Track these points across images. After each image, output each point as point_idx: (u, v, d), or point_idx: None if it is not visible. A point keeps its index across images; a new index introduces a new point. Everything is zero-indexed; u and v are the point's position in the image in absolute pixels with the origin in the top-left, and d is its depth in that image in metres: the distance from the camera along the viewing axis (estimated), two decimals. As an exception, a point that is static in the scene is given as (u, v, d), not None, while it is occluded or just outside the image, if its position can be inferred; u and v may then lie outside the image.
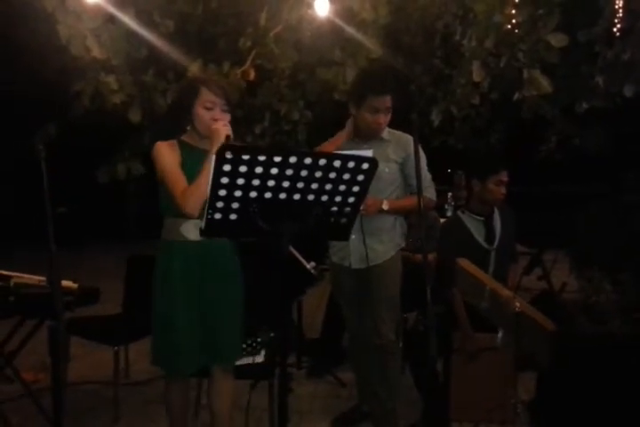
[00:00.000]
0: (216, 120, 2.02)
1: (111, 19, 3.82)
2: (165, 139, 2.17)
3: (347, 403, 2.94)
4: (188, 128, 2.11)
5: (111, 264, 4.57)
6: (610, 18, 4.76)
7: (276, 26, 4.24)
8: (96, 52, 3.68)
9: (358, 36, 4.36)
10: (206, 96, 2.04)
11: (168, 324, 2.08)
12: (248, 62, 4.39)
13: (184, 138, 2.13)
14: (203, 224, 1.59)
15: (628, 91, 5.33)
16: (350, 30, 4.39)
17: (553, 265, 3.21)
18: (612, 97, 5.68)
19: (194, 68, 4.15)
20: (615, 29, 4.76)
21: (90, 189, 6.09)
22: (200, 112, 2.05)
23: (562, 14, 3.74)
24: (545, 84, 3.93)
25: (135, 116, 4.28)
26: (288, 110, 5.25)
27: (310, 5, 4.03)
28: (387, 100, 2.39)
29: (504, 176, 2.81)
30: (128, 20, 3.91)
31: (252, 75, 4.45)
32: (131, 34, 3.96)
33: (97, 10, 3.64)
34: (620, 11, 4.61)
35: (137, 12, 3.93)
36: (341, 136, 2.50)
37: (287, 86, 5.24)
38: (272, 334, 2.26)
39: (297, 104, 5.33)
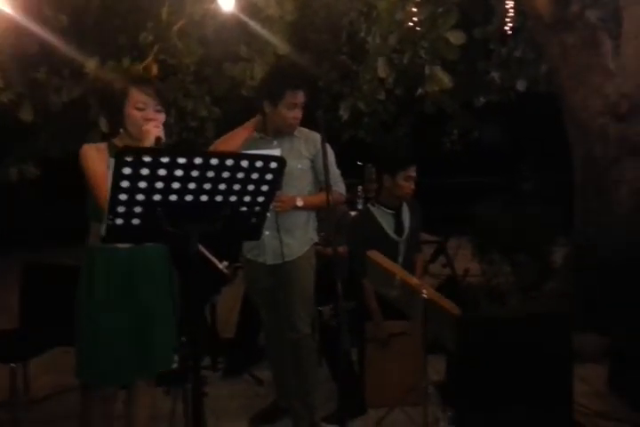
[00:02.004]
0: (148, 120, 1.94)
1: (-4, 12, 3.55)
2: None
3: (265, 401, 2.93)
4: (121, 131, 2.02)
5: (3, 273, 4.26)
6: (502, 17, 5.05)
7: (178, 20, 4.13)
8: (-21, 48, 3.42)
9: (264, 32, 4.34)
10: (137, 97, 1.96)
11: (95, 333, 1.98)
12: (150, 57, 4.25)
13: (115, 141, 2.03)
14: (103, 230, 1.52)
15: (520, 86, 5.70)
16: (256, 26, 4.37)
17: (457, 251, 3.38)
18: (507, 92, 6.05)
19: (91, 65, 3.96)
20: (507, 28, 5.05)
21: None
22: (131, 113, 1.97)
23: (459, 13, 3.91)
24: (445, 79, 4.10)
25: (27, 115, 4.02)
26: (194, 106, 5.14)
27: (214, 0, 3.96)
28: (302, 96, 2.42)
29: (412, 172, 2.92)
30: (16, 13, 3.66)
31: (155, 70, 4.32)
32: (19, 28, 3.71)
33: (-20, 2, 3.38)
34: (511, 11, 4.90)
35: (26, 6, 3.68)
36: (246, 129, 2.46)
37: (193, 82, 5.13)
38: (183, 339, 2.20)
39: (204, 100, 5.24)
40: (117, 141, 2.03)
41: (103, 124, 4.07)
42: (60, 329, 2.85)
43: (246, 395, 3.14)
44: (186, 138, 5.12)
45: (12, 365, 2.67)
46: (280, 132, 2.50)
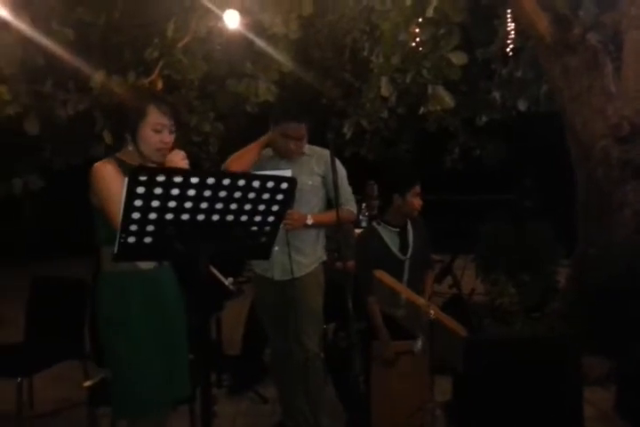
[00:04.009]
0: (165, 144, 1.87)
1: (4, 25, 3.58)
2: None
3: (270, 420, 2.90)
4: (130, 147, 1.90)
5: (8, 287, 4.25)
6: (503, 38, 5.12)
7: (183, 37, 4.17)
8: (-13, 61, 3.44)
9: (269, 49, 4.38)
10: (156, 118, 1.86)
11: (133, 363, 1.87)
12: (155, 73, 4.27)
13: (123, 157, 1.92)
14: (115, 249, 1.52)
15: (522, 105, 5.76)
16: (261, 44, 4.41)
17: (463, 271, 3.37)
18: (509, 111, 6.11)
19: (97, 79, 3.98)
20: (508, 49, 5.12)
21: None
22: (147, 135, 1.86)
23: (462, 34, 3.95)
24: (447, 99, 4.13)
25: (32, 127, 4.03)
26: (198, 122, 5.17)
27: (220, 18, 4.00)
28: (300, 129, 2.41)
29: (418, 188, 2.93)
30: (24, 26, 3.68)
31: (160, 85, 4.34)
32: (26, 41, 3.73)
33: (-12, 15, 3.41)
34: (512, 32, 4.96)
35: (33, 19, 3.71)
36: (258, 145, 2.48)
37: (197, 98, 5.16)
38: (191, 356, 2.19)
39: (207, 116, 5.27)
40: (126, 158, 1.92)
41: (108, 138, 4.08)
42: (65, 343, 2.84)
43: (251, 413, 3.11)
44: (189, 152, 5.14)
45: (18, 379, 2.64)
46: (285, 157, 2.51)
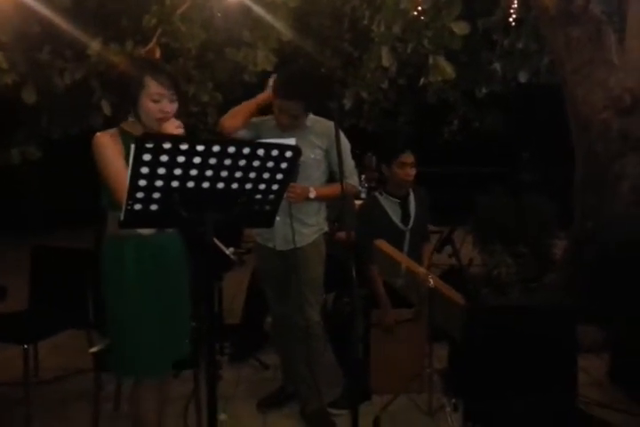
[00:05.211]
0: (165, 113, 1.88)
1: (-1, -9, 3.50)
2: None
3: (272, 385, 2.96)
4: (131, 118, 1.93)
5: (11, 257, 4.28)
6: (506, 8, 5.04)
7: (182, 4, 4.09)
8: (-18, 28, 3.38)
9: (268, 17, 4.31)
10: (154, 88, 1.87)
11: (135, 329, 1.94)
12: (153, 41, 4.21)
13: (125, 127, 1.95)
14: (122, 215, 1.53)
15: (522, 77, 5.71)
16: (260, 11, 4.33)
17: (462, 243, 3.40)
18: (509, 83, 6.06)
19: (94, 47, 3.92)
20: (510, 19, 5.04)
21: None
22: (147, 105, 1.88)
23: (463, 3, 3.89)
24: (449, 70, 4.09)
25: (29, 96, 3.98)
26: (196, 92, 5.11)
27: (218, -16, 3.93)
28: (292, 106, 2.37)
29: (405, 158, 2.92)
30: (18, -8, 3.61)
31: (158, 54, 4.28)
32: (22, 8, 3.66)
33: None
34: (515, 2, 4.88)
35: (29, -15, 3.63)
36: (255, 102, 2.45)
37: (195, 67, 5.09)
38: (192, 324, 2.22)
39: (205, 86, 5.21)
40: (128, 128, 1.94)
41: (106, 108, 4.04)
42: (67, 312, 2.88)
43: (253, 380, 3.17)
44: (187, 123, 5.09)
45: (25, 346, 2.68)
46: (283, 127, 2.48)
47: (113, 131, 1.94)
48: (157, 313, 1.97)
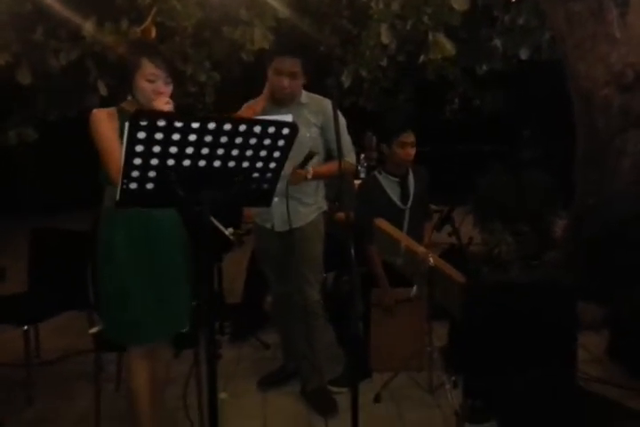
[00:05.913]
0: (159, 93, 1.94)
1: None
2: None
3: (272, 364, 2.98)
4: (129, 97, 2.01)
5: (9, 239, 4.28)
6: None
7: (177, -19, 4.01)
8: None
9: (264, -6, 4.22)
10: (149, 69, 1.95)
11: (122, 296, 2.00)
12: (148, 20, 4.14)
13: (125, 106, 2.02)
14: (117, 195, 1.52)
15: (523, 54, 5.63)
16: (256, -12, 4.25)
17: (462, 222, 3.39)
18: (510, 60, 5.97)
19: (89, 27, 3.86)
20: (511, -6, 4.95)
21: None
22: (142, 85, 1.96)
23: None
24: (449, 46, 4.03)
25: (24, 77, 3.94)
26: (194, 71, 5.05)
27: (213, -39, 3.85)
28: (290, 63, 2.34)
29: (406, 138, 2.90)
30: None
31: (154, 33, 4.21)
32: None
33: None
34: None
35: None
36: (260, 101, 2.44)
37: (192, 46, 5.02)
38: (193, 303, 2.23)
39: (203, 65, 5.14)
40: (127, 107, 2.01)
41: (102, 88, 3.99)
42: (67, 294, 2.89)
43: (253, 358, 3.19)
44: (185, 104, 5.04)
45: (25, 327, 2.69)
46: (280, 100, 2.45)
47: (111, 109, 2.01)
48: (147, 279, 2.01)
